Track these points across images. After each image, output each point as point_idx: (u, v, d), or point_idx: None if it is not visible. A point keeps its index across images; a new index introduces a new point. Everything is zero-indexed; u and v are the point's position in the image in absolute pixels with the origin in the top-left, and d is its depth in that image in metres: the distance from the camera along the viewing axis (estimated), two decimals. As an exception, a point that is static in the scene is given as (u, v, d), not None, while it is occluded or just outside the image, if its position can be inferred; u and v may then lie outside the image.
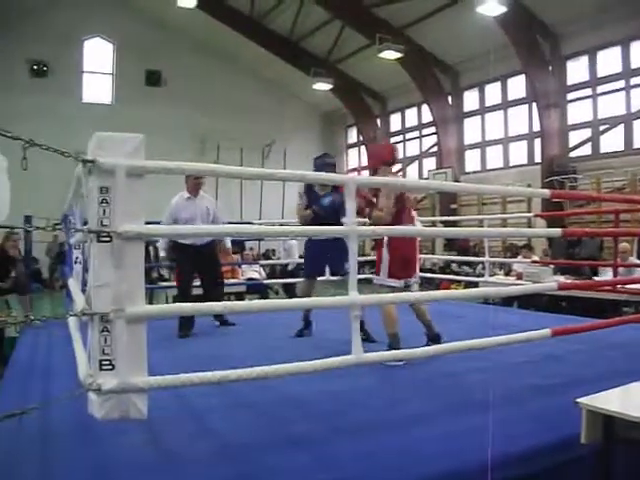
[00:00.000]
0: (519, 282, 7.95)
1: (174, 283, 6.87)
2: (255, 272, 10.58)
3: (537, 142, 15.17)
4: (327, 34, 18.01)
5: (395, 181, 4.79)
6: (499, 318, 6.22)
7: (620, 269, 6.89)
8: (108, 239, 2.17)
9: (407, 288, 4.62)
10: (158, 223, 5.16)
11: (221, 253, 6.60)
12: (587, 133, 14.23)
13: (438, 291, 7.19)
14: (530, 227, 12.21)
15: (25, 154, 2.10)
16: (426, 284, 10.81)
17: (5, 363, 4.75)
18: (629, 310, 7.23)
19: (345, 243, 2.83)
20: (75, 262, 5.09)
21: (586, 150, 14.25)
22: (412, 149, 19.98)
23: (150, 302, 7.22)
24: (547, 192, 4.49)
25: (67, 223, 5.01)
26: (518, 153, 16.04)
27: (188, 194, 5.71)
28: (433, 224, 10.25)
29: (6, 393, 3.56)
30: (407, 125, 20.16)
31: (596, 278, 8.25)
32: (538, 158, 15.01)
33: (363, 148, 21.45)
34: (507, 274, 10.30)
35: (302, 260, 6.31)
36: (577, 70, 14.31)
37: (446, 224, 10.38)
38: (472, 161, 17.64)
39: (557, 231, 4.24)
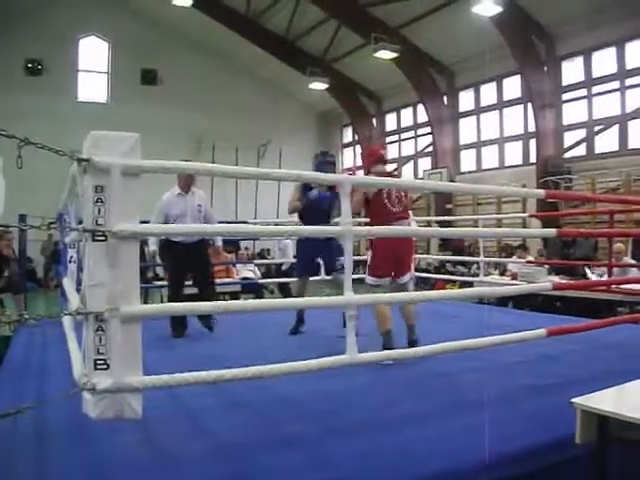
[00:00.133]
0: (514, 282, 7.97)
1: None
2: (250, 271, 10.58)
3: (532, 142, 15.21)
4: (323, 34, 18.02)
5: (394, 181, 4.77)
6: (494, 318, 6.24)
7: (615, 269, 6.91)
8: (103, 238, 2.16)
9: (399, 287, 4.62)
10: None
11: (212, 252, 6.58)
12: (582, 133, 14.27)
13: (433, 291, 7.20)
14: (525, 227, 12.25)
15: (20, 153, 2.09)
16: (421, 284, 10.84)
17: (-1, 362, 4.73)
18: (623, 310, 7.24)
19: (336, 241, 2.85)
20: (70, 261, 5.08)
21: (581, 150, 14.30)
22: (407, 149, 20.01)
23: (145, 301, 7.22)
24: (542, 192, 4.50)
25: (62, 222, 5.01)
26: (513, 153, 16.08)
27: (179, 190, 5.67)
28: (428, 224, 10.27)
29: (0, 392, 3.54)
30: (402, 125, 20.18)
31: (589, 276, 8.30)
32: (533, 158, 15.05)
33: (358, 148, 21.46)
34: (502, 274, 10.31)
35: (295, 260, 6.33)
36: (572, 71, 14.36)
37: (441, 224, 10.40)
38: (467, 161, 17.67)
39: (552, 231, 4.25)
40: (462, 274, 13.06)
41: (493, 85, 16.47)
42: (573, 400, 2.31)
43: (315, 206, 5.44)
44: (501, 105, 16.39)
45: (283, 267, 11.37)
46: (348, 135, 22.85)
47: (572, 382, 3.47)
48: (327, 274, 5.90)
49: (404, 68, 17.05)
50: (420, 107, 18.48)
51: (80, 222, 2.35)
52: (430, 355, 3.33)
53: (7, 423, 2.13)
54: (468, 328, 4.92)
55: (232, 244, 12.25)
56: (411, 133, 19.82)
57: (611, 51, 13.44)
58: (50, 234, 14.71)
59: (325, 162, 5.56)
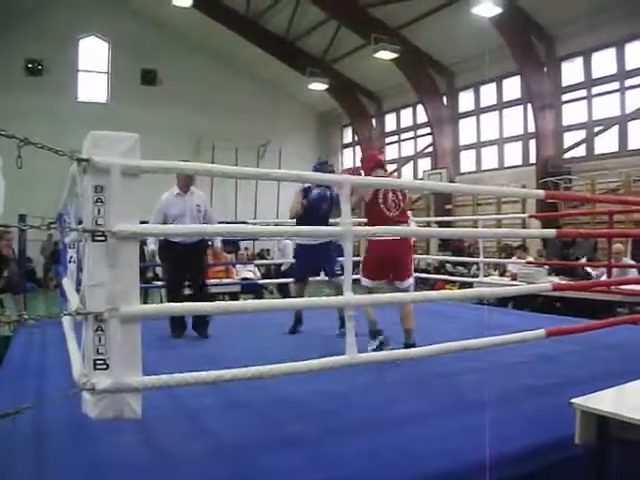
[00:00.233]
0: (514, 283, 7.97)
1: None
2: (250, 272, 10.58)
3: (532, 143, 15.21)
4: (323, 34, 18.01)
5: (394, 181, 4.79)
6: (494, 318, 6.24)
7: (614, 270, 6.91)
8: (103, 238, 2.16)
9: (399, 292, 4.62)
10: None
11: (211, 253, 6.55)
12: (582, 134, 14.27)
13: (433, 291, 7.21)
14: (525, 228, 12.25)
15: (20, 153, 2.09)
16: (421, 284, 10.83)
17: (-1, 362, 4.73)
18: (623, 311, 7.25)
19: (335, 246, 2.86)
20: (69, 261, 5.07)
21: (581, 151, 14.30)
22: (407, 149, 20.01)
23: (145, 301, 7.22)
24: (542, 193, 4.51)
25: (62, 222, 5.00)
26: (513, 154, 16.08)
27: (178, 190, 5.65)
28: (428, 224, 10.27)
29: (0, 392, 3.54)
30: (402, 125, 20.18)
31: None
32: (533, 159, 15.05)
33: (358, 148, 21.47)
34: (502, 275, 10.31)
35: (294, 261, 6.34)
36: (572, 71, 14.36)
37: (441, 224, 10.39)
38: (467, 162, 17.67)
39: (551, 232, 4.25)
40: (462, 274, 13.06)
41: (493, 86, 16.47)
42: (572, 400, 2.31)
43: (315, 207, 5.45)
44: (501, 106, 16.39)
45: (282, 267, 11.38)
46: (348, 135, 22.85)
47: (571, 382, 3.47)
48: (326, 276, 5.93)
49: (404, 69, 17.05)
50: (420, 107, 18.47)
51: (80, 222, 2.35)
52: (430, 355, 3.33)
53: (6, 423, 2.13)
54: (468, 328, 4.93)
55: (232, 244, 12.25)
56: (411, 133, 19.82)
57: (611, 52, 13.45)
58: (50, 234, 14.71)
59: (323, 171, 5.49)
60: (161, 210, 5.56)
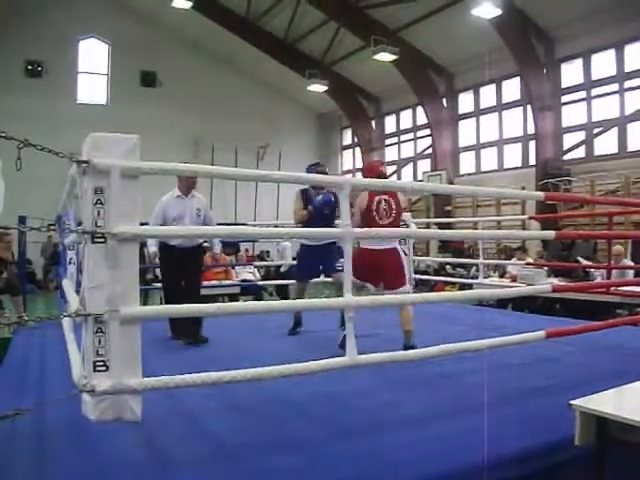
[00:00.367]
0: (513, 284, 7.96)
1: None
2: (249, 273, 10.58)
3: (531, 144, 15.21)
4: (322, 36, 18.01)
5: (393, 183, 4.79)
6: (494, 320, 6.24)
7: (614, 271, 6.91)
8: (102, 240, 2.16)
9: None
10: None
11: (210, 256, 6.51)
12: (581, 136, 14.27)
13: (432, 293, 7.21)
14: (524, 229, 12.24)
15: (19, 154, 2.09)
16: (421, 285, 10.84)
17: (-2, 364, 4.72)
18: (622, 312, 7.24)
19: (336, 247, 2.86)
20: (69, 263, 5.08)
21: (580, 153, 14.31)
22: (407, 151, 20.01)
23: (144, 303, 7.20)
24: (541, 194, 4.51)
25: (61, 224, 5.01)
26: (512, 155, 16.07)
27: (179, 192, 5.62)
28: (427, 226, 10.27)
29: (0, 394, 3.54)
30: (402, 127, 20.17)
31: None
32: (532, 160, 15.05)
33: (358, 150, 21.47)
34: (501, 276, 10.30)
35: (294, 262, 6.34)
36: (571, 73, 14.37)
37: (440, 226, 10.40)
38: (467, 163, 17.66)
39: (551, 233, 4.26)
40: (462, 276, 13.05)
41: (492, 87, 16.46)
42: (572, 402, 2.31)
43: (319, 211, 5.45)
44: (500, 107, 16.39)
45: (282, 269, 11.39)
46: (347, 137, 22.84)
47: (571, 384, 3.47)
48: (327, 276, 5.93)
49: (403, 70, 17.05)
50: (419, 109, 18.48)
51: (79, 224, 2.35)
52: (430, 357, 3.33)
53: (6, 425, 2.13)
54: (468, 330, 4.93)
55: (232, 246, 12.25)
56: (410, 135, 19.81)
57: (610, 53, 13.46)
58: (50, 236, 14.69)
59: (316, 172, 5.47)
60: (160, 212, 5.53)
